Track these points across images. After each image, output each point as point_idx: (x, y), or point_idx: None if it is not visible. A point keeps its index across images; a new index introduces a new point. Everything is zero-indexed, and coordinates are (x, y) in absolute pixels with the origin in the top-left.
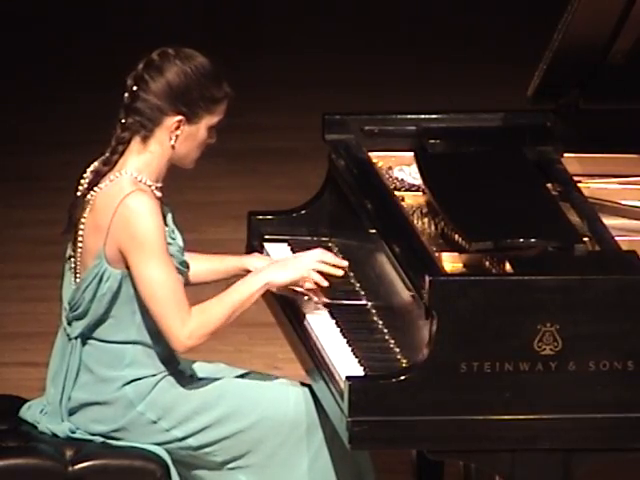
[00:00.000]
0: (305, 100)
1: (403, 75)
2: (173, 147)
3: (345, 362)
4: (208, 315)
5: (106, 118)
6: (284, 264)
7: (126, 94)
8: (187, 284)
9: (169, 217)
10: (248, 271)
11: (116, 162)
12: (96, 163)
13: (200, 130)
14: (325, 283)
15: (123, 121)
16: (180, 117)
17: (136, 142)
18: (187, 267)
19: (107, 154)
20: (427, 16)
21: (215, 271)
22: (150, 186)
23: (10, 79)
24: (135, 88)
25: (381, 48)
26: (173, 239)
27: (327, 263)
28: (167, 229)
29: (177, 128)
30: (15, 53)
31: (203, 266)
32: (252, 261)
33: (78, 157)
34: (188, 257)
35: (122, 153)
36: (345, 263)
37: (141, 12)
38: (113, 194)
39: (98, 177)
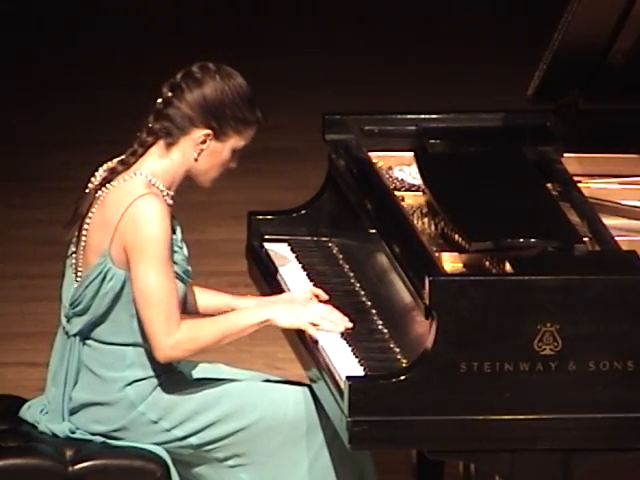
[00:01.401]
0: (305, 100)
1: (403, 75)
2: (196, 160)
3: (345, 362)
4: (199, 332)
5: (106, 118)
6: (291, 308)
7: (159, 100)
8: (196, 313)
9: (178, 230)
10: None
11: (133, 164)
12: (110, 163)
13: (225, 149)
14: (316, 337)
15: (150, 125)
16: (208, 131)
17: (159, 147)
18: (190, 277)
19: (126, 155)
20: (426, 16)
21: (210, 307)
22: (162, 191)
23: (10, 79)
24: (170, 95)
25: (381, 48)
26: (180, 248)
27: (332, 321)
28: (174, 237)
29: (203, 142)
30: (15, 53)
31: (211, 301)
32: (244, 302)
33: (78, 157)
34: (197, 290)
35: (141, 155)
36: (350, 325)
37: (141, 12)
38: (125, 193)
39: (112, 175)
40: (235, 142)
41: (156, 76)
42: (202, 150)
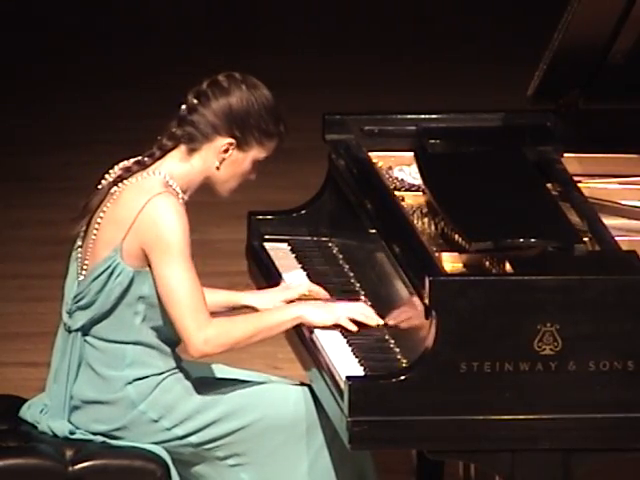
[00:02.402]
0: (305, 100)
1: (401, 75)
2: (218, 168)
3: (345, 362)
4: (231, 327)
5: (106, 118)
6: (322, 305)
7: (184, 106)
8: None
9: None
10: (244, 306)
11: (149, 165)
12: (127, 162)
13: (246, 160)
14: (354, 329)
15: (173, 130)
16: (232, 140)
17: (180, 151)
18: None
19: (143, 156)
20: (426, 16)
21: (210, 302)
22: (178, 193)
23: (10, 79)
24: (195, 102)
25: (380, 48)
26: None
27: (365, 317)
28: None
29: (226, 151)
30: (15, 53)
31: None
32: (245, 298)
33: (78, 157)
34: None
35: (158, 158)
36: (381, 322)
37: (141, 12)
38: (142, 191)
39: (127, 174)
40: (256, 153)
41: (156, 76)
42: (224, 159)
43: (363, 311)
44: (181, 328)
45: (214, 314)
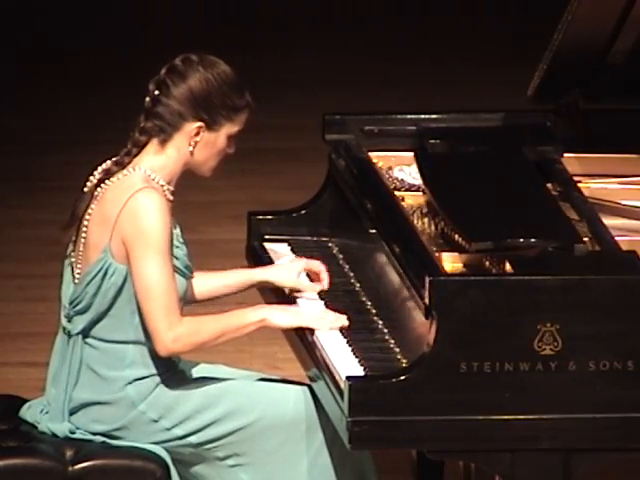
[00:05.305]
0: (305, 100)
1: (403, 75)
2: (192, 153)
3: (345, 362)
4: (200, 326)
5: (106, 118)
6: (287, 308)
7: (147, 99)
8: (193, 301)
9: (177, 229)
10: (260, 282)
11: (128, 164)
12: (107, 163)
13: (219, 138)
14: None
15: (142, 125)
16: (200, 123)
17: (153, 144)
18: (191, 272)
19: (120, 155)
20: (427, 16)
21: (219, 286)
22: (162, 186)
23: (10, 79)
24: (157, 93)
25: (381, 48)
26: (181, 243)
27: (329, 319)
28: (176, 232)
29: (197, 134)
30: (15, 53)
31: (208, 282)
32: (261, 273)
33: (78, 157)
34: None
35: (135, 155)
36: (346, 322)
37: (141, 12)
38: (124, 188)
39: (107, 176)
40: (229, 129)
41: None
42: (197, 142)
43: (324, 316)
44: (152, 324)
45: (224, 297)
